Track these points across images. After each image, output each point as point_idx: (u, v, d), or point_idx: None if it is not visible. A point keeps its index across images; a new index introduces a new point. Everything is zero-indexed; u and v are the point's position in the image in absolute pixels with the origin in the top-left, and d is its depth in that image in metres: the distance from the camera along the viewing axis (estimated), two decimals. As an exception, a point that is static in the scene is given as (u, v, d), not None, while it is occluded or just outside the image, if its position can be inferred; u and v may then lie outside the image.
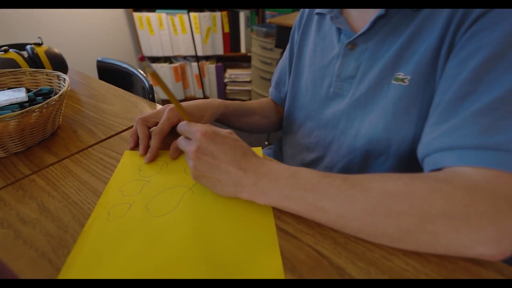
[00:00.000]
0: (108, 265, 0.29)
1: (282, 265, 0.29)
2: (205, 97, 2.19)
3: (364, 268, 0.28)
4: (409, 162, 0.43)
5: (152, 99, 0.70)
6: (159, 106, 0.61)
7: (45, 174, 0.41)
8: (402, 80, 0.39)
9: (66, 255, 0.30)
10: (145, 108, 0.60)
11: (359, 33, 0.42)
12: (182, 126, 0.37)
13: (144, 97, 0.71)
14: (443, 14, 0.35)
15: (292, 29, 0.59)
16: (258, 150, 0.45)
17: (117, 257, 0.29)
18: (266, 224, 0.33)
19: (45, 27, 1.64)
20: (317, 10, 0.50)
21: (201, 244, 0.31)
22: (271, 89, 0.67)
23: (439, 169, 0.31)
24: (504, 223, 0.24)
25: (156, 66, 2.07)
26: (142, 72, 0.74)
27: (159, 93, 2.17)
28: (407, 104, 0.39)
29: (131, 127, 0.54)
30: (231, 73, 2.18)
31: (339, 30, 0.46)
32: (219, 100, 0.52)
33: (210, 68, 2.13)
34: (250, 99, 2.26)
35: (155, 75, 0.30)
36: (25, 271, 0.29)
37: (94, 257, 0.29)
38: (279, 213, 0.35)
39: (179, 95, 2.23)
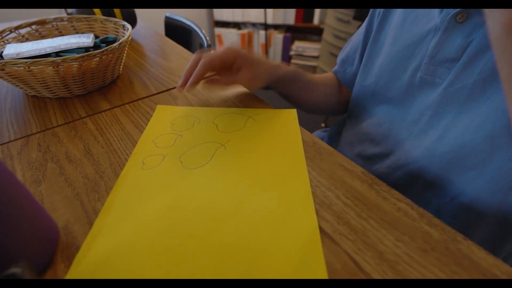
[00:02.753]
0: (140, 214, 0.29)
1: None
2: (267, 68, 2.13)
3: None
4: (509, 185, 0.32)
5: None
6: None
7: (96, 119, 0.43)
8: None
9: (96, 200, 0.30)
10: (200, 68, 0.58)
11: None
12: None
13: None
14: None
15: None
16: (293, 113, 0.43)
17: (150, 206, 0.29)
18: (305, 203, 0.30)
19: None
20: None
21: (232, 202, 0.30)
22: (336, 67, 0.57)
23: None
24: None
25: (224, 31, 2.07)
26: (203, 31, 0.72)
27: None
28: None
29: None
30: (298, 46, 2.05)
31: None
32: (283, 63, 0.48)
33: (278, 38, 2.04)
34: (314, 76, 2.12)
35: None
36: (59, 207, 0.30)
37: (128, 205, 0.30)
38: (317, 206, 0.29)
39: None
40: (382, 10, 0.45)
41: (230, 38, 2.08)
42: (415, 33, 0.39)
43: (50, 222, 0.26)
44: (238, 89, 0.50)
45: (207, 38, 0.69)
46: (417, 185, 0.39)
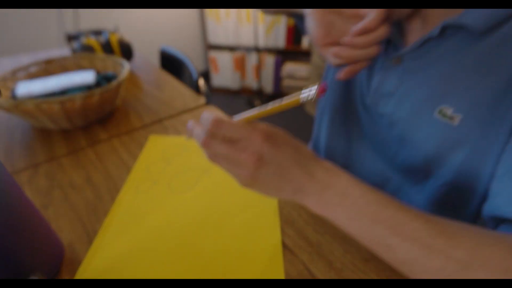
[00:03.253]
0: (133, 232, 0.34)
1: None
2: (261, 88, 2.22)
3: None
4: (445, 199, 0.38)
5: (197, 90, 0.75)
6: (202, 99, 0.65)
7: (96, 148, 0.49)
8: (451, 118, 0.33)
9: (95, 222, 0.36)
10: (189, 100, 0.65)
11: (408, 48, 0.38)
12: (232, 128, 0.26)
13: (190, 86, 0.77)
14: None
15: None
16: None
17: (142, 225, 0.35)
18: (272, 221, 0.36)
19: (123, 12, 1.85)
20: None
21: (213, 220, 0.36)
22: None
23: None
24: None
25: (218, 54, 2.17)
26: (192, 64, 0.80)
27: (221, 81, 2.28)
28: (452, 146, 0.34)
29: (173, 116, 0.59)
30: (289, 67, 2.16)
31: (388, 40, 0.42)
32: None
33: (269, 60, 2.14)
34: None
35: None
36: (64, 228, 0.35)
37: (123, 225, 0.35)
38: (283, 223, 0.35)
39: (236, 84, 2.30)
40: None
41: (223, 60, 2.19)
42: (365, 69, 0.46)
43: (57, 240, 0.31)
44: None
45: (198, 72, 0.77)
46: None
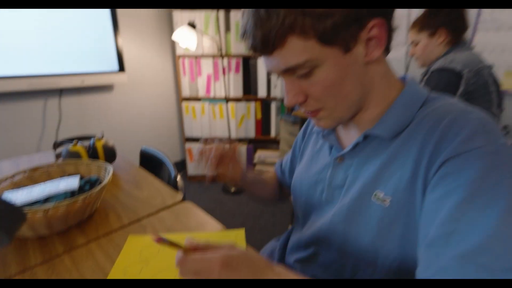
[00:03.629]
0: None
1: None
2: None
3: None
4: (400, 274, 0.43)
5: (175, 185, 0.81)
6: (179, 195, 0.71)
7: (73, 254, 0.50)
8: (383, 201, 0.42)
9: (67, 337, 0.35)
10: (167, 197, 0.70)
11: (345, 150, 0.50)
12: (191, 261, 0.33)
13: (169, 182, 0.83)
14: (413, 149, 0.40)
15: (296, 137, 0.69)
16: (241, 233, 0.53)
17: None
18: None
19: (106, 116, 2.03)
20: (313, 130, 0.60)
21: None
22: (276, 167, 0.76)
23: None
24: None
25: (194, 146, 2.33)
26: (170, 162, 0.88)
27: (196, 170, 2.37)
28: (389, 223, 0.42)
29: (151, 214, 0.63)
30: (260, 154, 2.34)
31: (331, 145, 0.55)
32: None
33: (242, 149, 2.33)
34: (277, 179, 2.33)
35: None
36: None
37: None
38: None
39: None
40: (302, 146, 0.65)
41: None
42: (319, 166, 0.56)
43: None
44: (197, 218, 0.61)
45: (175, 169, 0.85)
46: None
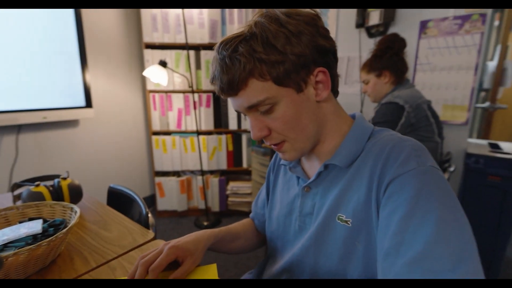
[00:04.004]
0: None
1: None
2: (207, 208, 2.28)
3: None
4: None
5: (147, 225, 0.79)
6: (150, 233, 0.70)
7: (34, 305, 0.47)
8: (346, 222, 0.48)
9: None
10: (138, 236, 0.69)
11: (310, 180, 0.55)
12: None
13: (139, 220, 0.81)
14: (365, 176, 0.47)
15: (268, 170, 0.73)
16: (213, 268, 0.54)
17: None
18: None
19: (70, 153, 1.94)
20: (281, 162, 0.65)
21: None
22: (252, 215, 0.76)
23: None
24: None
25: (165, 179, 2.27)
26: (141, 199, 0.87)
27: (167, 204, 2.28)
28: (353, 241, 0.47)
29: (121, 255, 0.61)
30: (233, 186, 2.34)
31: (297, 176, 0.60)
32: (209, 231, 0.60)
33: (214, 181, 2.32)
34: (250, 211, 2.32)
35: None
36: None
37: None
38: None
39: (183, 206, 2.33)
40: (272, 179, 0.69)
41: (170, 185, 2.28)
42: (290, 196, 0.61)
43: None
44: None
45: (146, 206, 0.84)
46: None
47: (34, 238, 0.57)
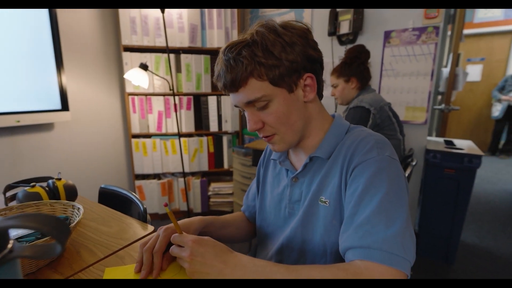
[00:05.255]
0: None
1: None
2: (189, 209, 2.30)
3: None
4: (342, 261, 0.56)
5: (145, 220, 0.83)
6: (150, 227, 0.75)
7: (52, 292, 0.51)
8: (325, 202, 0.58)
9: None
10: (138, 230, 0.74)
11: (298, 171, 0.64)
12: (176, 238, 0.51)
13: (139, 218, 0.85)
14: (339, 163, 0.57)
15: (258, 166, 0.81)
16: None
17: None
18: None
19: (44, 157, 1.89)
20: (272, 157, 0.74)
21: None
22: (243, 208, 0.84)
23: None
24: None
25: (145, 182, 2.27)
26: (138, 197, 0.91)
27: (148, 208, 2.28)
28: (330, 219, 0.57)
29: (126, 246, 0.66)
30: (214, 187, 2.39)
31: (286, 169, 0.68)
32: (200, 217, 0.67)
33: (196, 182, 2.35)
34: (232, 210, 2.39)
35: (170, 214, 0.49)
36: None
37: None
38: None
39: (164, 208, 2.33)
40: (262, 173, 0.77)
41: (151, 187, 2.27)
42: (280, 187, 0.69)
43: None
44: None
45: (142, 204, 0.88)
46: None
47: (42, 234, 0.60)
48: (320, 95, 0.63)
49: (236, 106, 0.59)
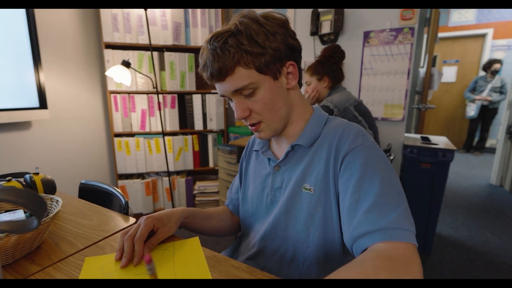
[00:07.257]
0: None
1: None
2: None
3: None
4: (325, 249, 0.59)
5: (127, 213, 0.83)
6: (131, 219, 0.75)
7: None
8: (309, 189, 0.60)
9: None
10: (120, 222, 0.73)
11: (279, 160, 0.66)
12: None
13: (120, 212, 0.84)
14: (323, 151, 0.59)
15: (240, 160, 0.83)
16: (196, 240, 0.61)
17: None
18: None
19: (20, 157, 1.83)
20: (254, 148, 0.75)
21: None
22: (226, 202, 0.85)
23: (365, 249, 0.48)
24: None
25: (128, 182, 2.23)
26: (119, 191, 0.90)
27: (132, 208, 2.24)
28: (314, 205, 0.59)
29: (107, 237, 0.65)
30: (200, 185, 2.38)
31: (268, 158, 0.70)
32: (183, 208, 0.68)
33: (181, 181, 2.33)
34: (218, 208, 2.38)
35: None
36: None
37: None
38: None
39: (149, 208, 2.30)
40: (244, 166, 0.79)
41: (135, 187, 2.24)
42: (262, 176, 0.71)
43: None
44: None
45: (124, 197, 0.87)
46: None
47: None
48: (300, 83, 0.65)
49: (222, 95, 0.61)
